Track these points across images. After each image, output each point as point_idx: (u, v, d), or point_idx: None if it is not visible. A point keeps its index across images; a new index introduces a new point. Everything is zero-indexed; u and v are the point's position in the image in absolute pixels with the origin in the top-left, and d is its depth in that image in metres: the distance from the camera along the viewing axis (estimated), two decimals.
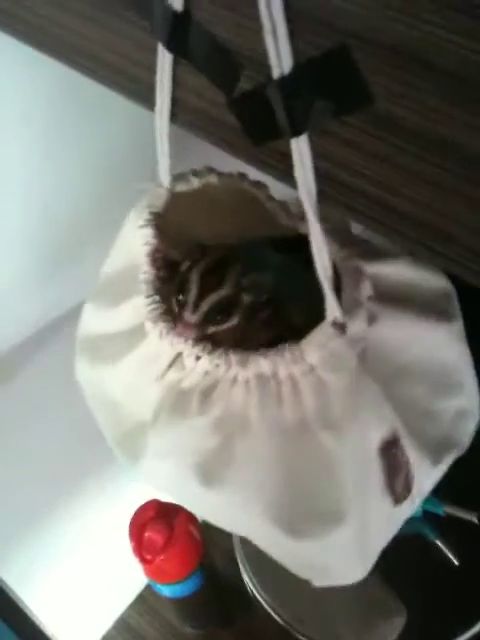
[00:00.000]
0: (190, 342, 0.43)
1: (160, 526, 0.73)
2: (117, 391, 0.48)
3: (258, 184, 0.51)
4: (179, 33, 0.35)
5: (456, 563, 0.69)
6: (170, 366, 0.44)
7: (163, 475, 0.47)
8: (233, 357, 0.42)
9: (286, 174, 0.36)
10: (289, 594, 0.71)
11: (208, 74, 0.35)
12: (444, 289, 0.48)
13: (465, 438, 0.49)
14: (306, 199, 0.35)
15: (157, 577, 0.76)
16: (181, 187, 0.49)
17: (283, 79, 0.31)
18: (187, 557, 0.75)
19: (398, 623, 0.69)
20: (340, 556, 0.47)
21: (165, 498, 0.75)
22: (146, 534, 0.73)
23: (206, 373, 0.43)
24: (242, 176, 0.51)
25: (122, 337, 0.47)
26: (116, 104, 0.50)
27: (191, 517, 0.75)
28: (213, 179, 0.50)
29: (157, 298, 0.46)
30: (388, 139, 0.31)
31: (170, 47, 0.35)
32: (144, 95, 0.41)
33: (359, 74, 0.29)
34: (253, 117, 0.34)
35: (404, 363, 0.45)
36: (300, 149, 0.33)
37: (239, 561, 0.75)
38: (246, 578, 0.74)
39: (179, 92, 0.38)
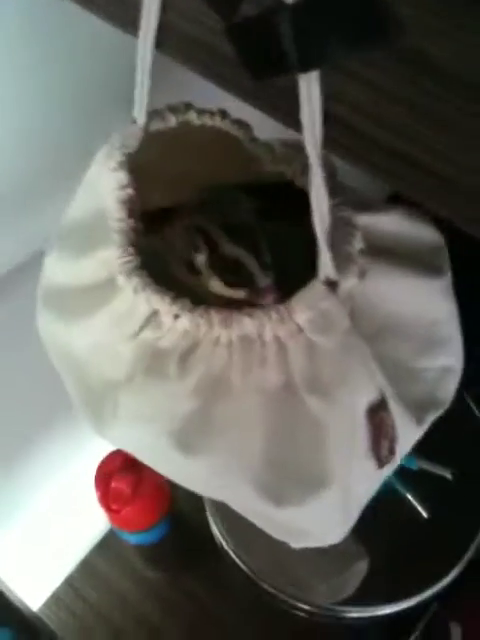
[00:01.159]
0: (167, 299, 0.39)
1: (127, 476, 0.70)
2: (84, 348, 0.44)
3: (240, 123, 0.46)
4: None
5: (425, 516, 0.68)
6: (145, 324, 0.40)
7: (135, 439, 0.43)
8: (215, 316, 0.38)
9: (287, 114, 0.32)
10: (255, 543, 0.70)
11: None
12: (435, 242, 0.45)
13: (448, 396, 0.47)
14: (311, 144, 0.31)
15: (123, 526, 0.74)
16: (156, 125, 0.43)
17: (297, 4, 0.26)
18: (154, 507, 0.72)
19: (361, 568, 0.68)
20: (321, 520, 0.44)
21: None
22: (113, 484, 0.70)
23: (185, 333, 0.39)
24: (223, 113, 0.45)
25: (90, 291, 0.42)
26: (85, 28, 0.44)
27: None
28: (192, 116, 0.45)
29: (131, 250, 0.40)
30: (418, 82, 0.26)
31: None
32: (125, 17, 0.36)
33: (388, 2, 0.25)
34: (255, 47, 0.29)
35: (390, 320, 0.42)
36: (309, 87, 0.29)
37: (207, 510, 0.72)
38: (214, 528, 0.72)
39: (168, 15, 0.33)
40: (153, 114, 0.43)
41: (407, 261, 0.42)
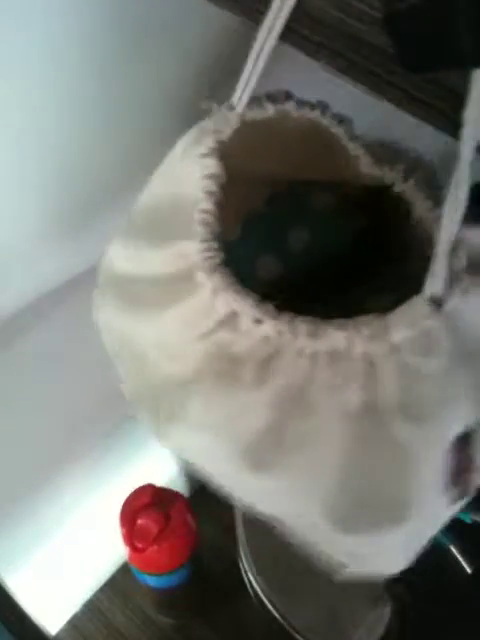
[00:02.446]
0: (250, 302, 0.34)
1: (155, 514, 0.64)
2: (148, 342, 0.40)
3: (341, 118, 0.41)
4: None
5: (469, 571, 0.64)
6: (221, 325, 0.35)
7: (199, 446, 0.39)
8: (302, 326, 0.34)
9: (438, 114, 0.28)
10: (291, 594, 0.64)
11: None
12: None
13: None
14: (467, 147, 0.27)
15: (144, 567, 0.68)
16: (252, 115, 0.39)
17: None
18: (181, 549, 0.66)
19: (386, 611, 0.63)
20: (386, 551, 0.40)
21: (160, 483, 0.67)
22: (139, 521, 0.65)
23: (265, 340, 0.34)
24: (324, 107, 0.41)
25: (162, 283, 0.38)
26: (172, 21, 0.41)
27: (188, 505, 0.67)
28: (290, 107, 0.40)
29: (215, 245, 0.36)
30: None
31: None
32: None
33: None
34: (419, 37, 0.26)
35: (478, 342, 0.37)
36: None
37: (241, 556, 0.67)
38: (249, 576, 0.66)
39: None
40: (251, 101, 0.39)
41: None
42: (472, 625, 0.62)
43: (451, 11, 0.24)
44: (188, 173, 0.38)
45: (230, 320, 0.35)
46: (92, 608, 0.82)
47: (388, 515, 0.36)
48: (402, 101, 0.28)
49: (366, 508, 0.36)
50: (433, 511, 0.39)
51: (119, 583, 0.83)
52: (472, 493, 0.40)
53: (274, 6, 0.30)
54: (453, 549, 0.64)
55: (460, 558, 0.64)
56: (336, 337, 0.33)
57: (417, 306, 0.33)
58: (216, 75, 0.40)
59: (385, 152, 0.42)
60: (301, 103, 0.41)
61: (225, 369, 0.36)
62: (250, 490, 0.40)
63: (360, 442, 0.35)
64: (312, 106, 0.41)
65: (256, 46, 0.33)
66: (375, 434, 0.35)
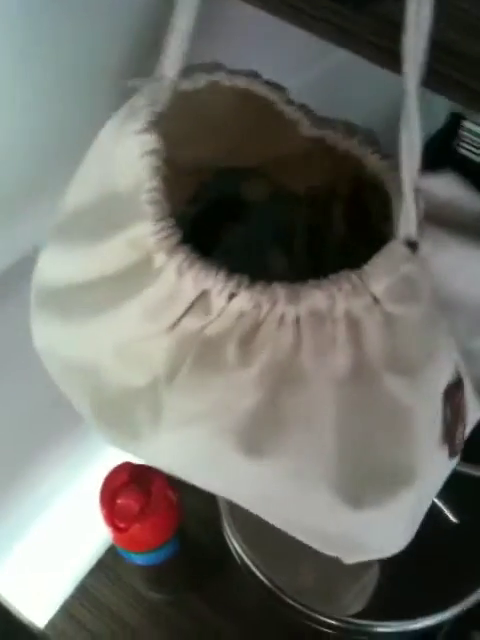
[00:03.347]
0: (221, 276, 0.31)
1: (135, 492, 0.62)
2: (101, 351, 0.36)
3: (275, 85, 0.39)
4: None
5: (455, 521, 0.63)
6: (187, 311, 0.33)
7: (185, 448, 0.35)
8: (280, 291, 0.31)
9: (381, 48, 0.26)
10: (275, 558, 0.64)
11: None
12: None
13: None
14: (412, 76, 0.25)
15: (129, 546, 0.66)
16: (184, 85, 0.36)
17: None
18: (164, 525, 0.64)
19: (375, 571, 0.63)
20: (391, 526, 0.37)
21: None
22: (119, 500, 0.62)
23: (241, 314, 0.32)
24: (256, 75, 0.39)
25: (110, 282, 0.35)
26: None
27: (168, 480, 0.65)
28: (221, 76, 0.38)
29: (171, 222, 0.33)
30: None
31: None
32: None
33: None
34: None
35: (448, 294, 0.36)
36: (420, 8, 0.23)
37: (225, 527, 0.66)
38: (233, 545, 0.65)
39: None
40: (181, 74, 0.35)
41: (462, 230, 0.37)
42: (460, 576, 0.62)
43: None
44: (124, 154, 0.35)
45: (200, 302, 0.32)
46: (83, 592, 0.80)
47: (396, 480, 0.34)
48: (344, 41, 0.27)
49: (372, 477, 0.34)
50: (436, 469, 0.37)
51: (108, 564, 0.81)
52: (462, 446, 0.38)
53: None
54: (437, 501, 0.64)
55: (445, 509, 0.64)
56: (316, 297, 0.32)
57: (394, 251, 0.32)
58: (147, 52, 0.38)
59: (322, 117, 0.40)
60: (232, 72, 0.38)
61: (202, 356, 0.33)
62: (247, 485, 0.36)
63: (355, 406, 0.33)
64: (244, 75, 0.38)
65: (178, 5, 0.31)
66: (368, 394, 0.33)
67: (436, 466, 0.36)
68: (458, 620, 0.65)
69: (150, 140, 0.34)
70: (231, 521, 0.65)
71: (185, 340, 0.33)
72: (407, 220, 0.31)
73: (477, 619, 0.68)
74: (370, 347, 0.32)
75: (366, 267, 0.31)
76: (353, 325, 0.32)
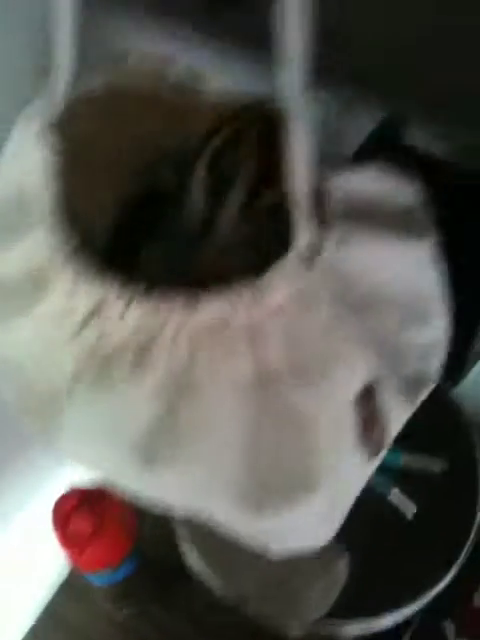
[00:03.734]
0: (115, 284, 0.30)
1: (86, 514, 0.60)
2: (19, 354, 0.36)
3: (191, 71, 0.37)
4: None
5: (409, 516, 0.63)
6: (87, 321, 0.32)
7: (90, 456, 0.35)
8: (177, 300, 0.30)
9: (254, 39, 0.25)
10: (232, 566, 0.63)
11: None
12: (415, 203, 0.38)
13: (435, 371, 0.40)
14: (294, 67, 0.24)
15: (87, 567, 0.65)
16: (87, 83, 0.35)
17: None
18: (119, 544, 0.63)
19: (343, 568, 0.63)
20: (308, 524, 0.37)
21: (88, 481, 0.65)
22: (71, 524, 0.61)
23: (138, 327, 0.31)
24: (170, 60, 0.37)
25: (18, 286, 0.34)
26: None
27: (120, 498, 0.64)
28: (133, 61, 0.36)
29: (65, 231, 0.32)
30: None
31: None
32: None
33: None
34: None
35: (374, 290, 0.35)
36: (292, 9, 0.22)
37: (180, 539, 0.65)
38: (188, 557, 0.64)
39: None
40: (82, 69, 0.34)
41: (387, 225, 0.36)
42: (422, 569, 0.61)
43: None
44: (26, 159, 0.34)
45: (96, 311, 0.31)
46: (50, 613, 0.80)
47: (298, 486, 0.33)
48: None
49: (276, 485, 0.33)
50: (347, 472, 0.36)
51: (73, 583, 0.81)
52: (387, 446, 0.38)
53: None
54: (391, 496, 0.63)
55: (399, 504, 0.64)
56: (214, 308, 0.31)
57: (291, 262, 0.31)
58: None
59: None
60: (145, 57, 0.37)
61: (100, 369, 0.32)
62: (149, 489, 0.36)
63: (258, 416, 0.32)
64: (157, 59, 0.37)
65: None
66: (271, 404, 0.32)
67: (349, 469, 0.35)
68: (426, 613, 0.65)
69: (46, 147, 0.33)
70: (186, 533, 0.64)
71: (85, 351, 0.33)
72: (302, 232, 0.30)
73: (445, 610, 0.68)
74: (272, 356, 0.31)
75: (264, 278, 0.30)
76: (254, 334, 0.31)
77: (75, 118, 0.34)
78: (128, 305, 0.31)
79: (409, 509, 0.63)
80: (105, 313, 0.31)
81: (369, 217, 0.35)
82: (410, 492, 0.63)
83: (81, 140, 0.34)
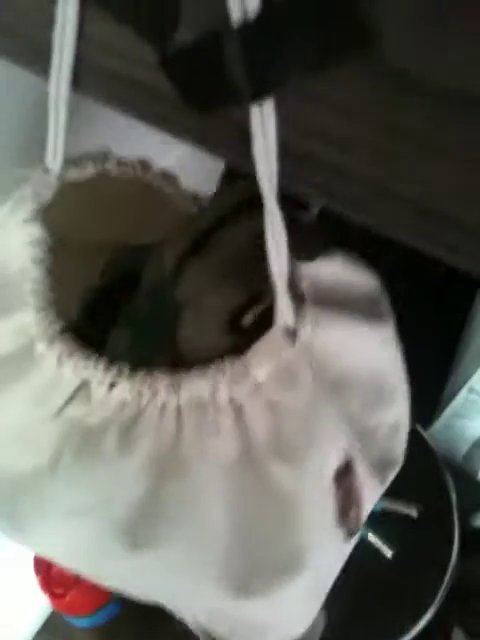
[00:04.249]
0: (100, 366, 0.31)
1: None
2: None
3: (165, 174, 0.40)
4: None
5: (388, 555, 0.64)
6: (71, 399, 0.32)
7: (67, 540, 0.34)
8: (161, 381, 0.31)
9: (233, 149, 0.27)
10: None
11: (130, 23, 0.25)
12: (375, 289, 0.40)
13: (401, 452, 0.41)
14: (266, 181, 0.25)
15: (69, 611, 0.65)
16: (72, 175, 0.36)
17: (246, 25, 0.22)
18: (101, 587, 0.65)
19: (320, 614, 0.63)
20: (289, 609, 0.36)
21: None
22: (54, 567, 0.63)
23: (123, 404, 0.31)
24: (145, 164, 0.39)
25: None
26: None
27: None
28: (111, 166, 0.38)
29: (52, 313, 0.33)
30: (401, 99, 0.22)
31: None
32: (30, 55, 0.30)
33: (359, 11, 0.21)
34: (197, 78, 0.25)
35: (340, 373, 0.36)
36: (263, 118, 0.24)
37: None
38: None
39: (85, 49, 0.27)
40: (68, 162, 0.36)
41: (351, 309, 0.37)
42: (395, 609, 0.62)
43: (220, 51, 0.23)
44: (10, 244, 0.35)
45: (81, 391, 0.32)
46: None
47: (284, 567, 0.33)
48: (196, 141, 0.28)
49: (259, 566, 0.33)
50: (329, 553, 0.36)
51: (55, 624, 0.81)
52: (360, 527, 0.38)
53: (55, 57, 0.28)
54: (371, 537, 0.64)
55: (379, 544, 0.65)
56: (198, 386, 0.31)
57: (273, 339, 0.32)
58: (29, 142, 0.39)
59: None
60: (121, 162, 0.38)
61: (84, 445, 0.32)
62: (133, 577, 0.35)
63: (241, 494, 0.32)
64: (133, 164, 0.39)
65: (50, 99, 0.31)
66: (254, 482, 0.33)
67: (330, 549, 0.36)
68: None
69: (34, 231, 0.34)
70: None
71: (68, 429, 0.33)
72: (282, 311, 0.31)
73: None
74: (254, 434, 0.32)
75: (248, 355, 0.31)
76: (237, 413, 0.32)
77: (56, 205, 0.36)
78: (114, 383, 0.31)
79: (386, 551, 0.64)
80: (89, 392, 0.32)
81: (336, 302, 0.37)
82: (387, 535, 0.64)
83: (61, 226, 0.35)
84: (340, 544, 0.36)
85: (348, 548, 0.38)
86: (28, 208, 0.35)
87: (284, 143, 0.25)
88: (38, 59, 0.29)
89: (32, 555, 0.62)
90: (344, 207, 0.25)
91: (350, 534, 0.36)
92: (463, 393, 0.72)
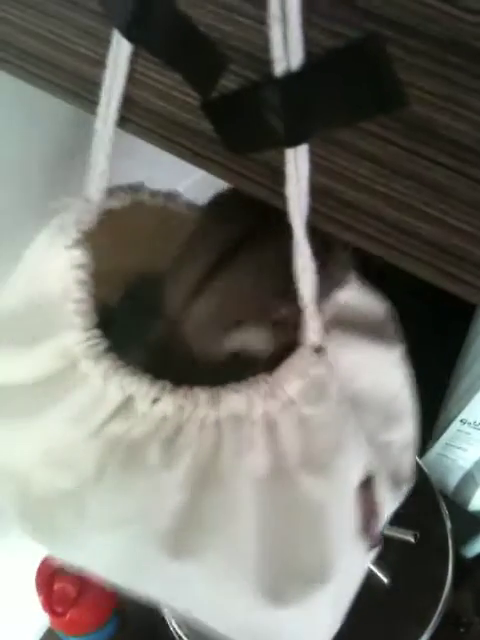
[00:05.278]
0: (145, 381, 0.32)
1: (71, 576, 0.62)
2: (27, 455, 0.36)
3: (193, 206, 0.41)
4: (143, 17, 0.27)
5: (386, 581, 0.65)
6: (114, 415, 0.33)
7: (110, 550, 0.35)
8: (201, 396, 0.32)
9: (268, 188, 0.29)
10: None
11: (179, 69, 0.28)
12: (385, 313, 0.42)
13: (411, 470, 0.43)
14: (297, 218, 0.28)
15: (68, 630, 0.65)
16: (110, 204, 0.38)
17: (289, 77, 0.25)
18: (102, 607, 0.63)
19: None
20: (317, 619, 0.37)
21: None
22: (56, 585, 0.63)
23: (165, 419, 0.32)
24: (175, 195, 0.41)
25: (38, 387, 0.35)
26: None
27: None
28: (145, 197, 0.39)
29: (97, 332, 0.34)
30: (421, 151, 0.25)
31: (130, 35, 0.27)
32: (79, 92, 0.32)
33: (391, 72, 0.23)
34: (237, 123, 0.27)
35: (356, 392, 0.38)
36: (297, 161, 0.26)
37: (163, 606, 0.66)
38: (170, 622, 0.66)
39: (133, 90, 0.29)
40: (106, 193, 0.37)
41: (365, 332, 0.40)
42: (391, 634, 0.64)
43: (262, 99, 0.26)
44: (52, 268, 0.36)
45: (125, 406, 0.33)
46: None
47: (315, 575, 0.34)
48: (230, 179, 0.30)
49: (292, 574, 0.34)
50: (353, 564, 0.37)
51: None
52: (380, 540, 0.40)
53: (104, 96, 0.30)
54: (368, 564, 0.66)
55: (376, 571, 0.66)
56: (235, 400, 0.32)
57: (303, 356, 0.33)
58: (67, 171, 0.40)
59: None
60: (154, 193, 0.40)
61: (128, 457, 0.33)
62: (172, 584, 0.36)
63: (273, 505, 0.33)
64: (165, 195, 0.41)
65: (96, 133, 0.32)
66: (285, 493, 0.34)
67: (354, 559, 0.37)
68: None
69: (78, 255, 0.35)
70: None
71: (111, 443, 0.33)
72: (311, 329, 0.33)
73: None
74: (286, 447, 0.33)
75: (280, 371, 0.33)
76: (270, 426, 0.33)
77: (92, 233, 0.37)
78: (156, 400, 0.33)
79: (384, 576, 0.65)
80: (133, 407, 0.33)
81: (353, 325, 0.39)
82: (385, 558, 0.66)
83: (93, 250, 0.37)
84: (362, 555, 0.38)
85: (368, 561, 0.40)
86: (72, 234, 0.36)
87: (314, 184, 0.27)
88: (82, 95, 0.31)
89: (33, 575, 0.63)
90: (363, 243, 0.28)
91: (371, 546, 0.37)
92: (455, 424, 0.74)
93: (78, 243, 0.35)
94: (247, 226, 0.37)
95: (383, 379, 0.40)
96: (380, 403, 0.40)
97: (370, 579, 0.66)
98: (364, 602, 0.64)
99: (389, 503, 0.39)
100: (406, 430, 0.42)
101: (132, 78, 0.29)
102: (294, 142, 0.26)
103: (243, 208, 0.37)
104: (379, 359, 0.39)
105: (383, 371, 0.40)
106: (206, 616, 0.37)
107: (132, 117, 0.30)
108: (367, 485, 0.36)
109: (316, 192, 0.27)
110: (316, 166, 0.26)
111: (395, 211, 0.25)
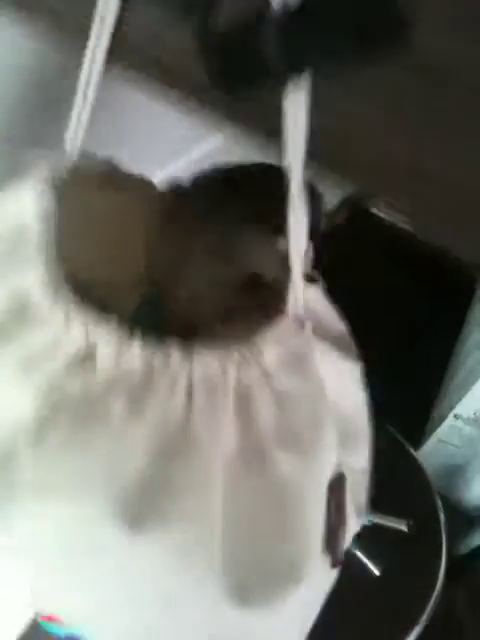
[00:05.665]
0: (112, 324, 0.28)
1: None
2: None
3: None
4: None
5: (376, 573, 0.64)
6: (74, 364, 0.29)
7: (47, 525, 0.30)
8: (174, 351, 0.29)
9: (263, 131, 0.28)
10: None
11: (171, 5, 0.27)
12: (346, 330, 0.39)
13: (365, 503, 0.40)
14: (294, 164, 0.26)
15: (54, 618, 0.65)
16: (85, 167, 0.35)
17: (285, 12, 0.23)
18: None
19: None
20: (284, 625, 0.34)
21: None
22: None
23: (131, 371, 0.29)
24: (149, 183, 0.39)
25: None
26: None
27: None
28: (118, 172, 0.37)
29: (60, 271, 0.30)
30: (433, 94, 0.23)
31: None
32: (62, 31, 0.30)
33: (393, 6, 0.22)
34: (232, 61, 0.26)
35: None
36: (296, 100, 0.24)
37: None
38: None
39: (124, 30, 0.28)
40: (82, 155, 0.35)
41: (332, 343, 0.37)
42: (383, 625, 0.62)
43: (254, 34, 0.25)
44: (19, 206, 0.33)
45: (86, 354, 0.29)
46: None
47: (285, 574, 0.31)
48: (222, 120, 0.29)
49: (260, 569, 0.31)
50: (320, 575, 0.34)
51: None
52: (342, 557, 0.36)
53: (93, 35, 0.29)
54: (359, 553, 0.65)
55: (367, 561, 0.65)
56: (209, 363, 0.30)
57: (284, 324, 0.31)
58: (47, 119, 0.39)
59: None
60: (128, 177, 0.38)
61: (83, 413, 0.29)
62: (126, 566, 0.31)
63: (242, 485, 0.30)
64: (141, 180, 0.38)
65: (82, 75, 0.31)
66: (257, 473, 0.31)
67: (320, 571, 0.33)
68: None
69: (41, 190, 0.33)
70: None
71: (64, 395, 0.30)
72: (296, 298, 0.31)
73: None
74: (260, 422, 0.30)
75: (259, 336, 0.30)
76: (243, 397, 0.30)
77: (74, 183, 0.35)
78: (123, 347, 0.29)
79: (376, 566, 0.64)
80: (98, 352, 0.29)
81: (322, 334, 0.37)
82: (377, 550, 0.65)
83: (76, 204, 0.34)
84: (327, 570, 0.34)
85: (332, 580, 0.36)
86: (41, 175, 0.34)
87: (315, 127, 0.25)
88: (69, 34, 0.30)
89: None
90: (370, 189, 0.27)
91: (335, 563, 0.34)
92: (449, 419, 0.74)
93: (47, 185, 0.33)
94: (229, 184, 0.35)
95: (345, 393, 0.37)
96: (338, 419, 0.36)
97: (362, 570, 0.65)
98: (355, 594, 0.63)
99: (353, 519, 0.36)
100: (362, 456, 0.39)
101: (123, 17, 0.28)
102: (291, 77, 0.24)
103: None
104: (343, 372, 0.37)
105: (345, 385, 0.38)
106: (157, 618, 0.33)
107: (120, 54, 0.29)
108: (337, 482, 0.34)
109: (315, 135, 0.26)
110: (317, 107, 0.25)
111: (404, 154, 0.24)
